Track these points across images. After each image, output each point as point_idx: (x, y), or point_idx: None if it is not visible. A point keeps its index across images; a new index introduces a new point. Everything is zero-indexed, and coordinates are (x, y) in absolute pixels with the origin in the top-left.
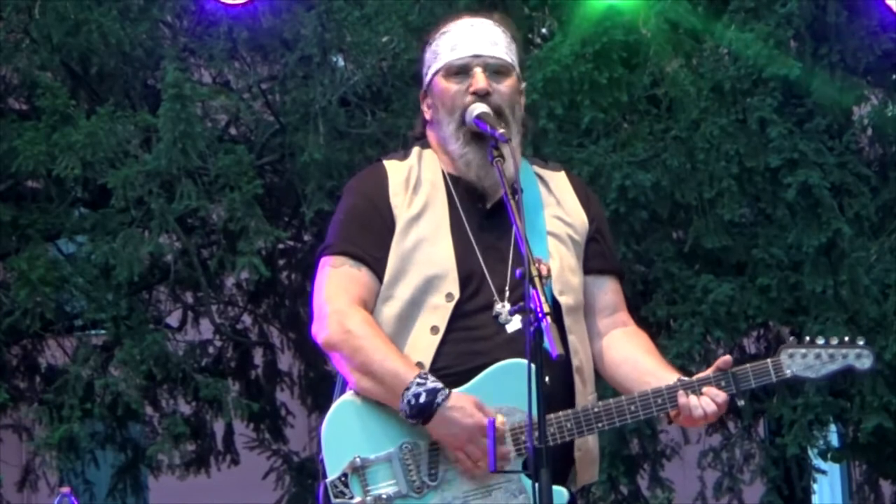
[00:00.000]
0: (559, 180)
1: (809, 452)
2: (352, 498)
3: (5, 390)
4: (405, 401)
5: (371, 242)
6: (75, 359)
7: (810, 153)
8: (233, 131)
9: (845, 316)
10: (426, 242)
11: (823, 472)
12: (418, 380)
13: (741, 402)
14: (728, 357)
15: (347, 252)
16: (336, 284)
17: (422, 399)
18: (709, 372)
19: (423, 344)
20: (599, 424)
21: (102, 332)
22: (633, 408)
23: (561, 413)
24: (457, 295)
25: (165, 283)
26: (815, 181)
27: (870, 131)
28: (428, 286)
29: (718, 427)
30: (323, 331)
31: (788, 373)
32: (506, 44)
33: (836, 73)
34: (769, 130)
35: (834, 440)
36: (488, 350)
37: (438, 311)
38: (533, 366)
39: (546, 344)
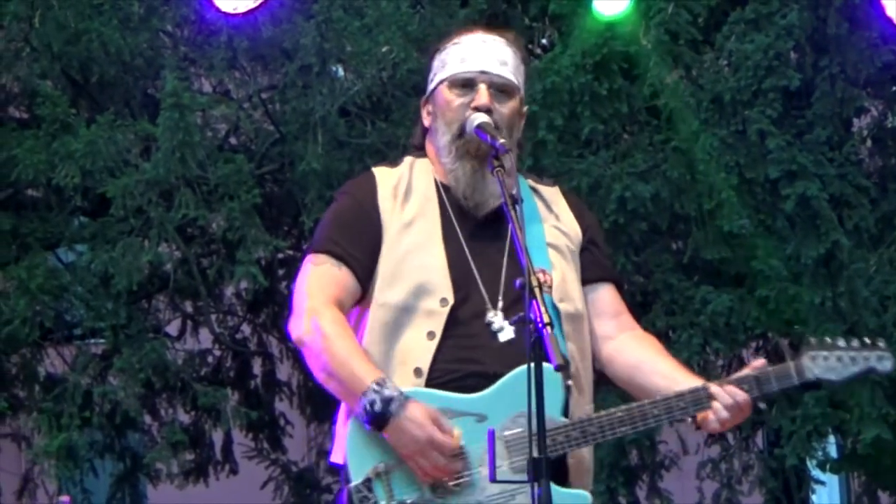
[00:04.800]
0: (553, 194)
1: (808, 463)
2: (376, 503)
3: (4, 399)
4: (361, 407)
5: (354, 243)
6: (74, 367)
7: (809, 165)
8: (233, 140)
9: (844, 327)
10: (418, 250)
11: (822, 482)
12: (374, 386)
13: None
14: (763, 360)
15: (329, 251)
16: (314, 282)
17: (376, 407)
18: (739, 375)
19: (420, 349)
20: (604, 433)
21: (101, 340)
22: (655, 411)
23: (586, 418)
24: (451, 300)
25: (165, 292)
26: (814, 193)
27: (869, 143)
28: (420, 292)
29: (717, 438)
30: (296, 328)
31: (811, 375)
32: (514, 65)
33: (837, 84)
34: (768, 142)
35: (833, 451)
36: (482, 358)
37: (434, 317)
38: (533, 373)
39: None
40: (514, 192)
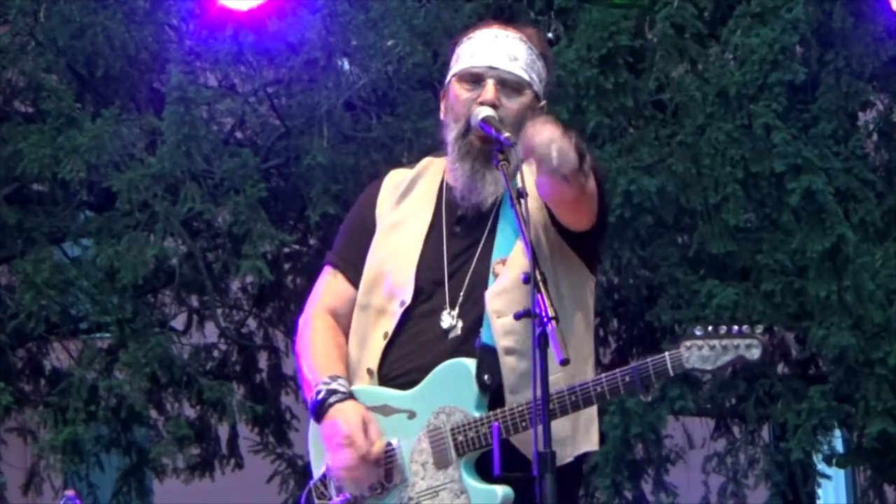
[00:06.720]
0: (529, 164)
1: (814, 457)
2: (330, 499)
3: (10, 393)
4: (310, 399)
5: (351, 248)
6: (80, 362)
7: (814, 158)
8: (238, 135)
9: (850, 321)
10: (397, 252)
11: (828, 477)
12: (326, 379)
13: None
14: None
15: (330, 261)
16: (315, 294)
17: (319, 396)
18: (623, 368)
19: (376, 350)
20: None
21: (107, 335)
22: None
23: (491, 413)
24: (408, 301)
25: (170, 287)
26: (819, 186)
27: (875, 136)
28: (390, 295)
29: (723, 432)
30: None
31: (687, 365)
32: (528, 61)
33: (842, 78)
34: (774, 136)
35: (838, 445)
36: (424, 356)
37: (392, 318)
38: (539, 366)
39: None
40: (522, 185)
